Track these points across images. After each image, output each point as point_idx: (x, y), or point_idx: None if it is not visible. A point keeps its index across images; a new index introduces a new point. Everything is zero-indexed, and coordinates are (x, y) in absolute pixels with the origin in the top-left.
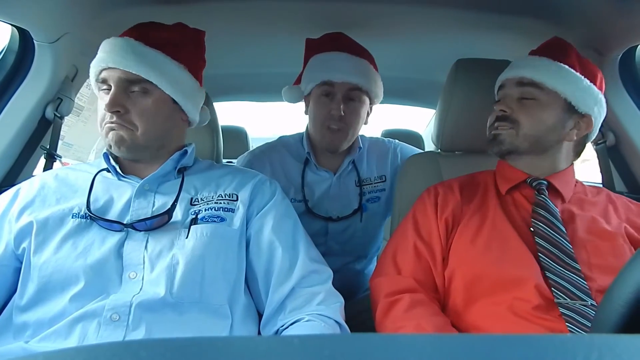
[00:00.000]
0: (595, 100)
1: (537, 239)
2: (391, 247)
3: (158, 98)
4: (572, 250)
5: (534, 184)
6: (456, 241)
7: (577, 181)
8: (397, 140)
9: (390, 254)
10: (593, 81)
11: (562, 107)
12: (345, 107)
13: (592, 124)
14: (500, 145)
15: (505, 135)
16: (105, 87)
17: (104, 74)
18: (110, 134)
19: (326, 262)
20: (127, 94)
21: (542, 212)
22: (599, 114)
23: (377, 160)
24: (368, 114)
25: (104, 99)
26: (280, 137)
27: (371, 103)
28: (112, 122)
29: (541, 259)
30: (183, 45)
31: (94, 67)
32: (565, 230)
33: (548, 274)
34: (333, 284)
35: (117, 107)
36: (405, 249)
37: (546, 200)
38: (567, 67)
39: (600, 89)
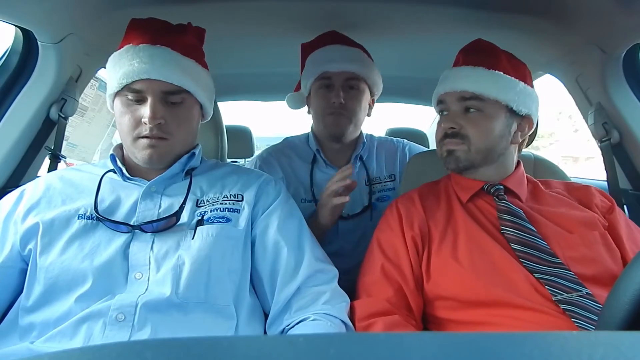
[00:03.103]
0: (532, 99)
1: (513, 245)
2: (361, 271)
3: (192, 105)
4: (548, 247)
5: (491, 190)
6: (435, 258)
7: (527, 177)
8: (405, 140)
9: (361, 277)
10: (525, 81)
11: (505, 113)
12: (345, 95)
13: (533, 123)
14: (456, 161)
15: (460, 152)
16: (133, 96)
17: (139, 85)
18: (149, 152)
19: (337, 262)
20: (163, 104)
21: (507, 217)
22: (537, 111)
23: (386, 159)
24: (370, 107)
25: (131, 107)
26: (286, 139)
27: (372, 95)
28: (151, 137)
29: (524, 263)
30: (200, 49)
31: (126, 77)
32: (534, 227)
33: (537, 275)
34: (344, 284)
35: (159, 119)
36: (373, 272)
37: (508, 204)
38: (502, 73)
39: (531, 85)
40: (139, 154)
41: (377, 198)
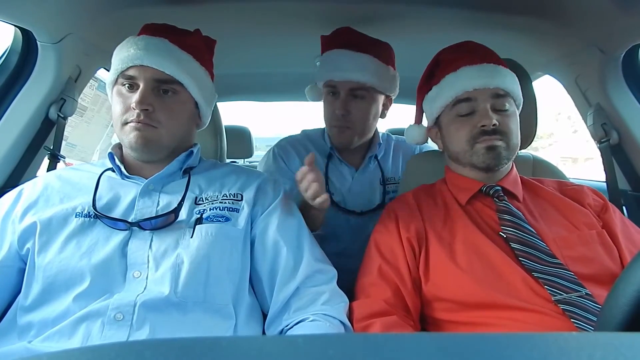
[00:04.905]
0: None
1: (513, 245)
2: (360, 272)
3: (185, 100)
4: (547, 248)
5: (490, 191)
6: (433, 259)
7: (520, 176)
8: (428, 144)
9: (359, 279)
10: None
11: (517, 109)
12: (352, 105)
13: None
14: (498, 158)
15: (501, 149)
16: (128, 83)
17: (132, 71)
18: (134, 135)
19: (343, 262)
20: (154, 92)
21: (507, 217)
22: None
23: (402, 160)
24: (386, 108)
25: (123, 95)
26: (303, 131)
27: (386, 96)
28: (138, 122)
29: (523, 262)
30: (205, 52)
31: (121, 62)
32: (532, 228)
33: (536, 275)
34: (350, 285)
35: (146, 105)
36: (371, 273)
37: (508, 205)
38: (509, 70)
39: None
40: (126, 139)
41: (390, 198)
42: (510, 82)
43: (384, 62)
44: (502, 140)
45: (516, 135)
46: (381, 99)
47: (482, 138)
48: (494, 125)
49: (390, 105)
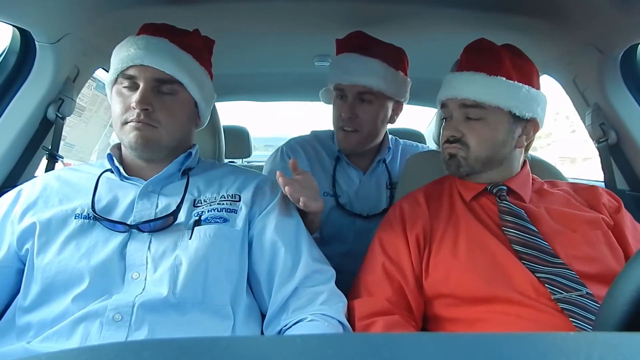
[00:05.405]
0: (537, 102)
1: (514, 246)
2: (362, 269)
3: (184, 100)
4: (549, 248)
5: (494, 190)
6: (435, 256)
7: (533, 177)
8: (429, 146)
9: (361, 276)
10: (530, 82)
11: (508, 119)
12: (358, 109)
13: (538, 125)
14: (457, 166)
15: (460, 157)
16: (127, 83)
17: (132, 71)
18: (134, 134)
19: (348, 263)
20: (154, 92)
21: (509, 217)
22: (543, 112)
23: None
24: (396, 113)
25: (123, 94)
26: (313, 132)
27: (396, 102)
28: (138, 121)
29: (525, 264)
30: (204, 52)
31: (121, 62)
32: (536, 227)
33: (537, 275)
34: (353, 285)
35: (146, 104)
36: (374, 271)
37: (509, 205)
38: (505, 79)
39: (537, 85)
40: (126, 139)
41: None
42: (487, 91)
43: (393, 67)
44: (462, 149)
45: (484, 147)
46: (390, 103)
47: (445, 145)
48: (452, 137)
49: (400, 110)
